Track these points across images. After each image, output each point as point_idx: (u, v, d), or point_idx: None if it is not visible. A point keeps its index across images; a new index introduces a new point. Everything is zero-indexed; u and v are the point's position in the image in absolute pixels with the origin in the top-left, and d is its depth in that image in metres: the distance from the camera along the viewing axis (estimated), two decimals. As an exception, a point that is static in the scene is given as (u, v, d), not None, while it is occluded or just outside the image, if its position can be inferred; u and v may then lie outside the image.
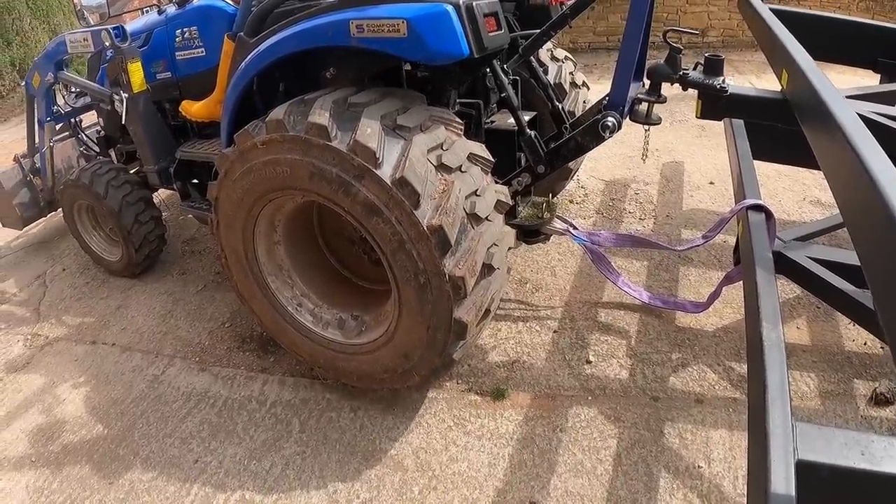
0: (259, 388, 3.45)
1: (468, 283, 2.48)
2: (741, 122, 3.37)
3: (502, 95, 3.17)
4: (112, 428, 3.28)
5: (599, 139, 2.96)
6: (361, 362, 3.01)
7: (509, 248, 2.82)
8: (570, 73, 4.39)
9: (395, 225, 2.46)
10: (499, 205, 2.73)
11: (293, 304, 3.22)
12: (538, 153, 3.13)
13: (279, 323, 3.25)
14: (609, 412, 3.03)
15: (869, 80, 4.28)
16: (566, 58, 4.50)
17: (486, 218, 2.61)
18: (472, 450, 2.91)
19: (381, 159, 2.42)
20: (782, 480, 1.31)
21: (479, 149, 2.77)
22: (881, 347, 3.27)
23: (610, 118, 2.88)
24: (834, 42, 3.74)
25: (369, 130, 2.45)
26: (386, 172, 2.41)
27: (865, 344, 3.32)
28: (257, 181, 2.81)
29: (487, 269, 2.61)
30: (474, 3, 2.52)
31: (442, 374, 2.86)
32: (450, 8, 2.45)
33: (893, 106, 2.99)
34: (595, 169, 5.81)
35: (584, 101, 4.40)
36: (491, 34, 2.61)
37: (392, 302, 2.74)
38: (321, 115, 2.52)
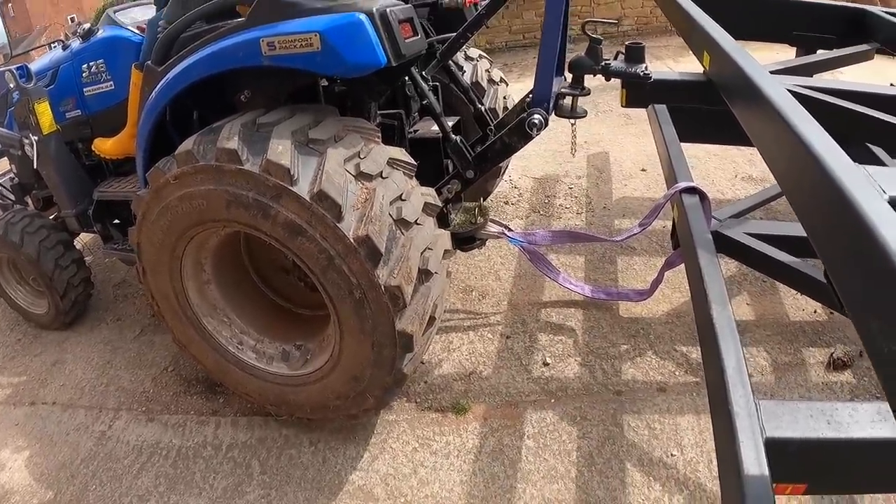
0: (212, 432, 3.30)
1: (405, 291, 2.41)
2: (664, 107, 3.41)
3: (424, 103, 3.14)
4: (63, 493, 3.08)
5: (527, 138, 2.93)
6: (312, 393, 2.89)
7: (446, 251, 2.75)
8: (486, 71, 4.39)
9: (321, 242, 2.37)
10: (427, 207, 2.67)
11: (234, 343, 3.09)
12: (465, 158, 3.09)
13: (222, 364, 3.12)
14: (574, 412, 3.00)
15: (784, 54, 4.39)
16: (480, 56, 4.50)
17: (416, 222, 2.54)
18: (441, 469, 2.84)
19: (296, 176, 2.35)
20: (753, 461, 1.32)
21: (399, 153, 2.72)
22: (830, 314, 3.34)
23: (536, 116, 2.85)
24: (749, 20, 3.81)
25: (281, 148, 2.38)
26: (303, 188, 2.34)
27: (815, 312, 3.39)
28: (175, 219, 2.71)
29: (424, 274, 2.54)
30: (388, 10, 2.46)
31: (396, 392, 2.77)
32: (363, 17, 2.38)
33: (812, 77, 3.08)
34: (526, 168, 5.83)
35: (504, 97, 4.41)
36: (407, 41, 2.55)
37: (332, 324, 2.64)
38: (230, 140, 2.44)
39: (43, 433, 3.55)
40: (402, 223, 2.47)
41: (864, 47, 3.55)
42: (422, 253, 2.54)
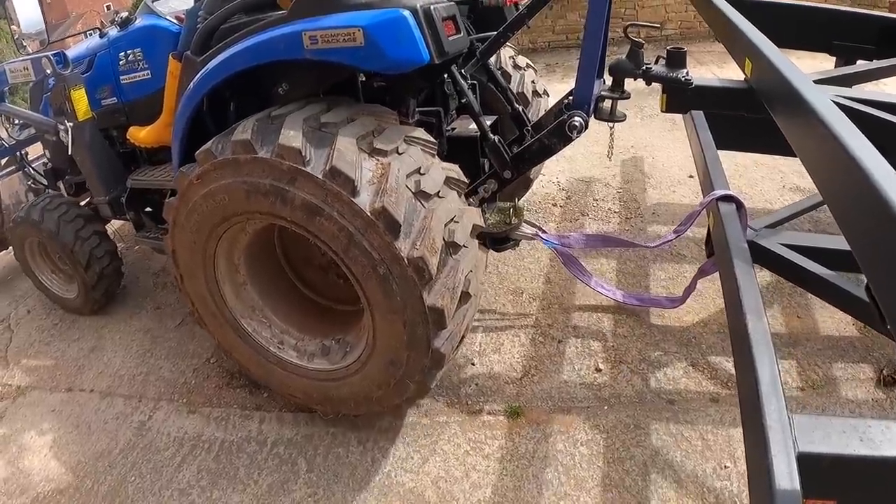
0: (256, 427, 3.30)
1: (430, 262, 2.40)
2: (700, 113, 3.40)
3: (462, 101, 3.14)
4: (102, 484, 3.10)
5: (567, 140, 2.93)
6: (353, 385, 2.90)
7: (475, 226, 2.75)
8: (532, 82, 4.39)
9: (339, 219, 2.40)
10: (449, 181, 2.67)
11: (274, 343, 3.12)
12: (503, 158, 3.08)
13: (265, 366, 3.16)
14: (628, 420, 3.00)
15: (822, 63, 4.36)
16: (528, 65, 4.50)
17: (437, 194, 2.54)
18: (493, 474, 2.83)
19: (308, 157, 2.40)
20: (786, 475, 1.31)
21: (418, 132, 2.73)
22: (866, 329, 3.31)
23: (577, 118, 2.84)
24: (788, 28, 3.78)
25: (292, 133, 2.44)
26: (316, 168, 2.39)
27: (864, 327, 3.35)
28: (203, 218, 2.79)
29: (451, 247, 2.53)
30: (432, 7, 2.48)
31: (436, 375, 2.75)
32: (407, 13, 2.39)
33: (851, 87, 3.06)
34: (573, 170, 5.82)
35: (546, 111, 4.39)
36: (450, 38, 2.57)
37: (364, 308, 2.65)
38: (244, 133, 2.53)
39: (80, 420, 3.56)
40: (422, 195, 2.48)
41: (905, 59, 3.51)
42: (446, 225, 2.53)
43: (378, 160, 2.46)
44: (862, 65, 3.66)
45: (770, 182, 5.14)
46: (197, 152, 2.70)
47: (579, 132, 2.87)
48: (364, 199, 2.36)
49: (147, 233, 4.04)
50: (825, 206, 3.86)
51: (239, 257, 3.06)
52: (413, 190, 2.46)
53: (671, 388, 3.15)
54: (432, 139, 2.75)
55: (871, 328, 3.17)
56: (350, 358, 2.89)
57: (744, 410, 1.75)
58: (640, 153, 6.09)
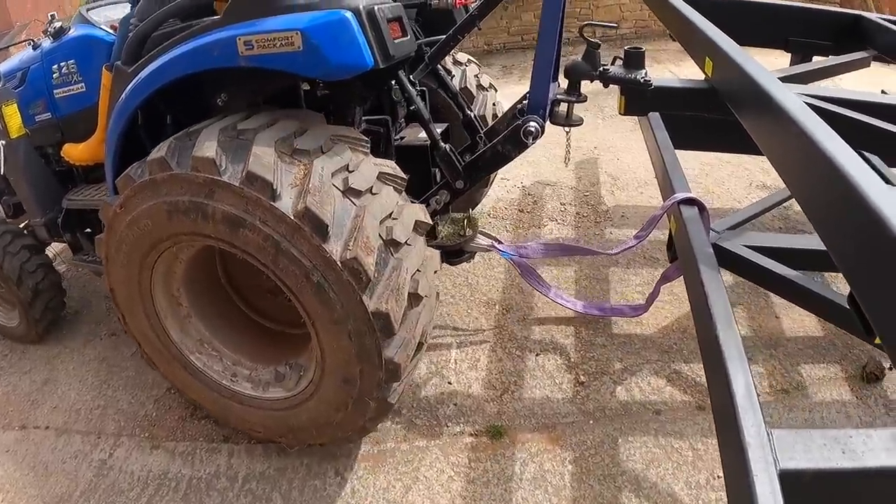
0: (225, 461, 3.11)
1: (365, 263, 2.26)
2: (657, 114, 3.38)
3: (411, 108, 3.05)
4: None
5: (522, 147, 2.85)
6: (311, 411, 2.75)
7: (419, 222, 2.63)
8: (476, 76, 4.32)
9: (263, 228, 2.28)
10: (384, 177, 2.57)
11: (227, 377, 2.97)
12: (455, 167, 3.00)
13: (220, 401, 3.01)
14: (615, 434, 2.94)
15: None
16: (468, 61, 4.43)
17: (370, 191, 2.43)
18: (482, 500, 2.73)
19: (223, 166, 2.30)
20: (769, 495, 1.26)
21: (345, 130, 2.65)
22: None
23: (532, 123, 2.77)
24: (744, 25, 3.80)
25: (206, 143, 2.34)
26: (233, 176, 2.28)
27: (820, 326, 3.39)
28: (131, 249, 2.68)
29: (391, 245, 2.40)
30: (376, 8, 2.37)
31: (396, 389, 2.62)
32: (349, 14, 2.29)
33: (808, 85, 3.06)
34: (538, 174, 5.76)
35: (494, 104, 4.34)
36: (396, 41, 2.47)
37: (308, 324, 2.51)
38: (159, 151, 2.45)
39: (37, 461, 3.34)
40: (352, 192, 2.37)
41: (861, 54, 3.55)
42: (382, 222, 2.42)
43: (299, 161, 2.36)
44: (819, 61, 3.71)
45: (737, 180, 5.16)
46: (117, 179, 2.59)
47: (535, 138, 2.80)
48: (286, 203, 2.25)
49: (85, 255, 3.86)
50: (787, 203, 3.95)
51: (178, 288, 2.92)
52: (341, 188, 2.35)
53: (656, 399, 3.11)
54: (363, 136, 2.66)
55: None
56: (304, 382, 2.75)
57: (719, 425, 1.72)
58: (605, 155, 6.07)
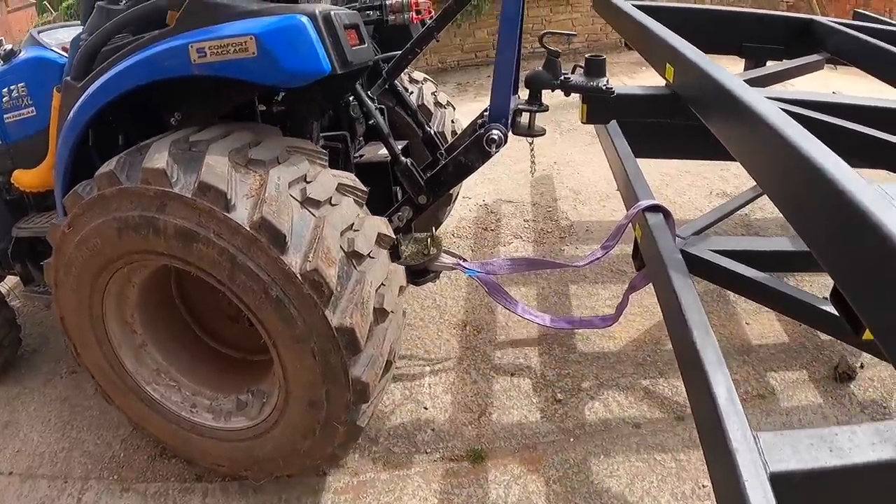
0: (200, 501, 2.97)
1: (327, 275, 2.17)
2: (615, 124, 3.39)
3: (370, 123, 3.00)
4: None
5: (485, 156, 2.81)
6: (276, 439, 2.64)
7: (381, 235, 2.57)
8: (433, 94, 4.29)
9: (217, 241, 2.19)
10: (343, 188, 2.50)
11: (187, 408, 2.85)
12: (417, 182, 2.96)
13: (181, 435, 2.88)
14: (597, 450, 2.90)
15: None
16: (425, 79, 4.41)
17: (329, 201, 2.36)
18: None
19: (175, 177, 2.22)
20: (761, 499, 1.27)
21: (301, 142, 2.59)
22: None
23: (495, 131, 2.73)
24: (698, 32, 3.82)
25: (157, 155, 2.26)
26: (184, 187, 2.20)
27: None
28: (80, 272, 2.57)
29: (353, 257, 2.33)
30: (332, 13, 2.32)
31: (365, 412, 2.53)
32: (305, 19, 2.23)
33: (766, 88, 3.10)
34: (499, 191, 5.74)
35: (452, 121, 4.32)
36: (354, 48, 2.42)
37: (269, 345, 2.40)
38: (108, 166, 2.36)
39: None
40: (311, 202, 2.29)
41: (814, 57, 3.63)
42: (343, 233, 2.35)
43: (254, 171, 2.28)
44: (773, 65, 3.75)
45: (697, 189, 5.21)
46: (63, 198, 2.50)
47: (498, 146, 2.76)
48: (241, 214, 2.16)
49: (36, 286, 3.72)
50: (747, 207, 4.00)
51: (132, 314, 2.81)
52: (299, 199, 2.28)
53: (635, 412, 3.08)
54: (320, 149, 2.60)
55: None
56: (267, 408, 2.64)
57: (703, 433, 1.72)
58: (565, 169, 6.09)
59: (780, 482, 1.30)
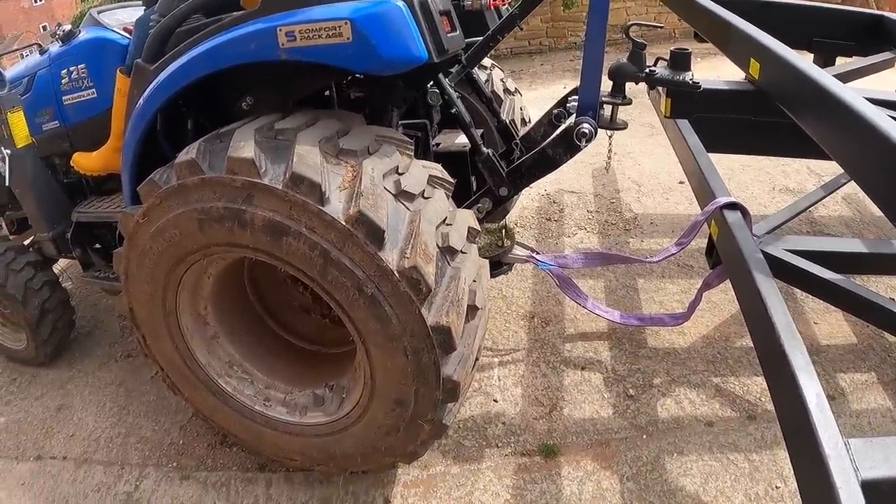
0: (263, 491, 2.96)
1: (426, 273, 2.10)
2: (685, 119, 3.38)
3: (451, 112, 2.96)
4: None
5: (574, 150, 2.77)
6: (357, 436, 2.58)
7: (471, 229, 2.51)
8: (502, 80, 4.28)
9: (309, 235, 2.12)
10: (433, 180, 2.46)
11: (260, 401, 2.82)
12: (499, 173, 2.92)
13: (252, 428, 2.85)
14: (670, 448, 2.91)
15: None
16: (493, 65, 4.39)
17: (422, 194, 2.30)
18: None
19: (263, 167, 2.15)
20: None
21: (389, 131, 2.55)
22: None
23: (585, 124, 2.68)
24: (768, 25, 3.80)
25: (242, 144, 2.19)
26: (275, 178, 2.14)
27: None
28: (155, 264, 2.52)
29: (448, 252, 2.27)
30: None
31: (452, 410, 2.47)
32: (401, 4, 2.15)
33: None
34: (560, 181, 5.70)
35: (521, 108, 4.30)
36: (448, 35, 2.37)
37: (357, 342, 2.34)
38: (188, 154, 2.30)
39: (56, 495, 3.16)
40: (405, 196, 2.23)
41: (887, 55, 3.60)
42: (437, 228, 2.28)
43: (347, 162, 2.22)
44: (846, 63, 3.73)
45: (760, 184, 5.19)
46: (139, 186, 2.44)
47: (588, 140, 2.71)
48: (336, 207, 2.09)
49: (96, 272, 3.70)
50: (817, 205, 3.97)
51: (205, 307, 2.78)
52: (393, 191, 2.21)
53: (707, 410, 3.09)
54: (407, 137, 2.54)
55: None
56: (348, 405, 2.59)
57: (791, 439, 1.73)
58: (625, 160, 6.07)
59: (872, 489, 1.32)
